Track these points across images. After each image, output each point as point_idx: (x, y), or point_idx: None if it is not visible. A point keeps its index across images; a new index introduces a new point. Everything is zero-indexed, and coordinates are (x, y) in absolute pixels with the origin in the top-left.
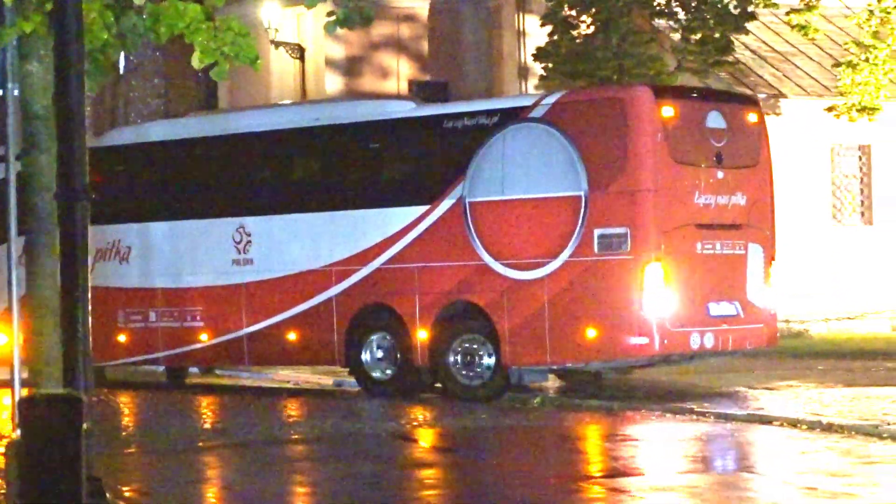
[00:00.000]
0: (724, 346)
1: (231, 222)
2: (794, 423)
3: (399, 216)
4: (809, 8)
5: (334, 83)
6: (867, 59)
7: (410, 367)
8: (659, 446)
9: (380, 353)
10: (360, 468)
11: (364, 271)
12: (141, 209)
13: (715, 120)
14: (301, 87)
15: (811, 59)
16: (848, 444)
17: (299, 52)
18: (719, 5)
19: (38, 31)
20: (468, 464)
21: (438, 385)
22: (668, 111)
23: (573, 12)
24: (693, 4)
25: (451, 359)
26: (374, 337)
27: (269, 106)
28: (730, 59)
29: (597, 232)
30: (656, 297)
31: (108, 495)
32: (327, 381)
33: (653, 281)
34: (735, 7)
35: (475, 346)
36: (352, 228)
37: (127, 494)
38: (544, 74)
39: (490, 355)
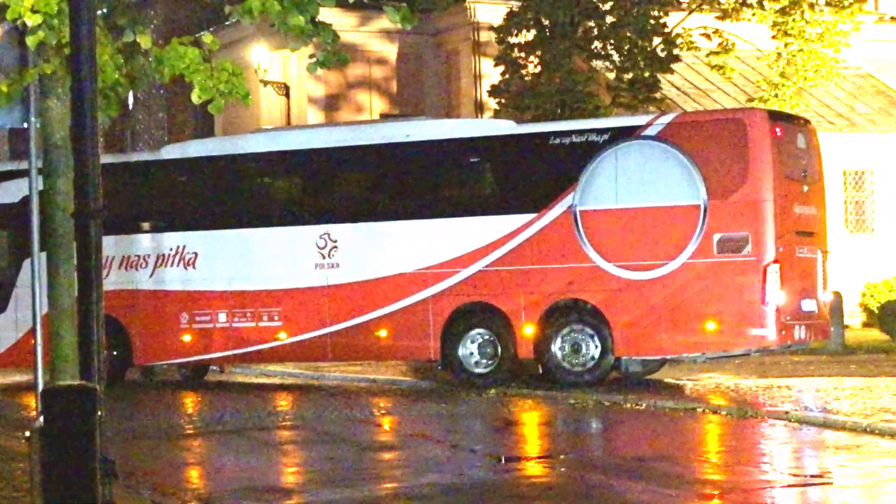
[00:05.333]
0: (808, 338)
1: (315, 230)
2: (714, 410)
3: (502, 223)
4: (727, 51)
5: (316, 117)
6: (776, 95)
7: (511, 359)
8: (600, 430)
9: (477, 348)
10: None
11: (463, 273)
12: (216, 217)
13: (801, 140)
14: (287, 121)
15: (728, 94)
16: (762, 428)
17: (285, 89)
18: (648, 49)
19: (57, 72)
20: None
21: (527, 375)
22: (778, 131)
23: (521, 55)
24: (626, 48)
25: (558, 349)
26: (472, 333)
27: (361, 122)
28: (657, 95)
29: (716, 236)
30: (775, 293)
31: (119, 476)
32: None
33: (772, 279)
34: (662, 50)
35: (582, 338)
36: (449, 235)
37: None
38: (497, 108)
39: (596, 346)
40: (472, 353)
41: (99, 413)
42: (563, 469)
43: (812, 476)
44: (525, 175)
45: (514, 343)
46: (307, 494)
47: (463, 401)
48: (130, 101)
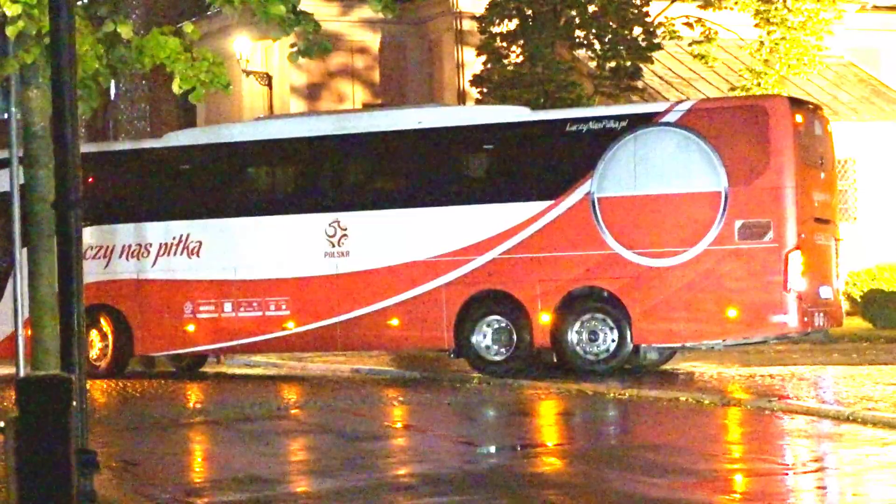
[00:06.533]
0: (825, 325)
1: (324, 217)
2: (698, 400)
3: (517, 211)
4: (709, 40)
5: (298, 107)
6: (759, 84)
7: (527, 347)
8: (583, 420)
9: (491, 336)
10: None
11: (478, 261)
12: (221, 205)
13: (817, 128)
14: (269, 111)
15: (711, 83)
16: (744, 417)
17: (267, 79)
18: (629, 38)
19: (37, 62)
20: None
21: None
22: (798, 118)
23: (504, 44)
24: (607, 38)
25: (574, 338)
26: (487, 321)
27: (372, 109)
28: (639, 84)
29: (737, 223)
30: (797, 279)
31: (100, 466)
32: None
33: (794, 265)
34: (643, 40)
35: (599, 326)
36: (462, 223)
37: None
38: (479, 98)
39: (614, 334)
40: (486, 342)
41: (74, 403)
42: (545, 458)
43: (794, 464)
44: (540, 162)
45: (531, 331)
46: (291, 485)
47: (447, 391)
48: (112, 91)
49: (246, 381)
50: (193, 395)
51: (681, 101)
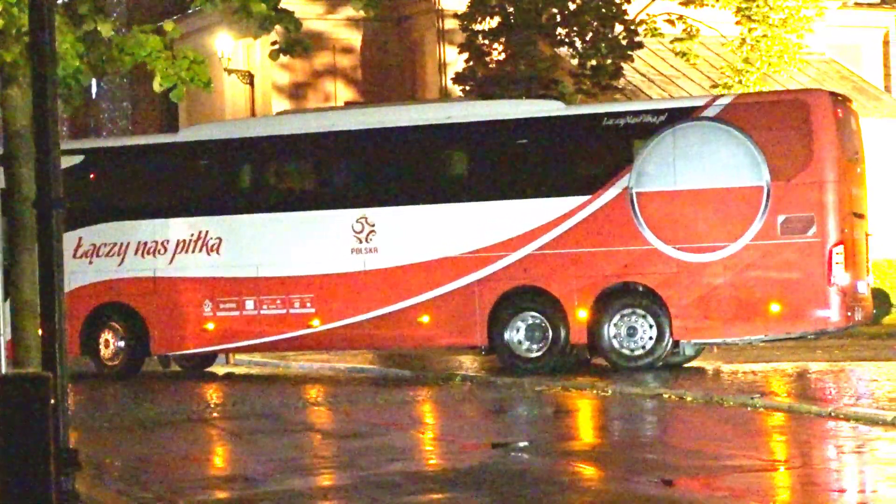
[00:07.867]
0: (861, 319)
1: (351, 213)
2: (680, 396)
3: (553, 206)
4: (691, 37)
5: (280, 106)
6: (740, 81)
7: (562, 343)
8: (564, 417)
9: (525, 333)
10: None
11: (512, 257)
12: (243, 201)
13: (853, 122)
14: (251, 109)
15: (693, 80)
16: (727, 414)
17: (249, 78)
18: (610, 36)
19: (17, 60)
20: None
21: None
22: (840, 113)
23: (486, 42)
24: (589, 36)
25: (612, 334)
26: (521, 317)
27: (401, 103)
28: (619, 83)
29: (780, 218)
30: (840, 274)
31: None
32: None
33: (837, 260)
34: (624, 38)
35: (638, 322)
36: (496, 218)
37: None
38: (462, 96)
39: (652, 330)
40: (520, 339)
41: (53, 402)
42: (527, 455)
43: (775, 461)
44: (576, 157)
45: (567, 327)
46: (273, 483)
47: (431, 389)
48: (94, 90)
49: (227, 381)
50: (175, 394)
51: (721, 96)
